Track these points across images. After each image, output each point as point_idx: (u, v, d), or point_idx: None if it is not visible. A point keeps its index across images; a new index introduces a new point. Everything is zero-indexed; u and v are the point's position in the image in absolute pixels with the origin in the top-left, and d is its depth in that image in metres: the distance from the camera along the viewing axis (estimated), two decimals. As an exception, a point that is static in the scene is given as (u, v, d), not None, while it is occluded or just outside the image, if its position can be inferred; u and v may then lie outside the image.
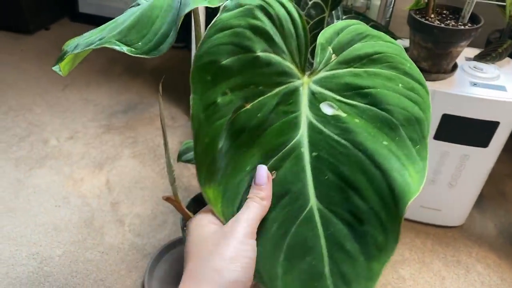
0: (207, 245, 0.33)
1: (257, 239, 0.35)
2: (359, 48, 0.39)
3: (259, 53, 0.35)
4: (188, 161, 0.81)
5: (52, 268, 0.88)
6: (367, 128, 0.36)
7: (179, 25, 0.38)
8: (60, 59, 0.43)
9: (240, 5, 0.35)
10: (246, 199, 0.36)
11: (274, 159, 0.36)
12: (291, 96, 0.37)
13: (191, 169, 1.16)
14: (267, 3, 0.36)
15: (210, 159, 0.35)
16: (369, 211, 0.34)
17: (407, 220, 1.03)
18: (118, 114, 1.35)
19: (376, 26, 0.91)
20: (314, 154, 0.36)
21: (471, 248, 0.97)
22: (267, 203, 0.35)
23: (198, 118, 0.34)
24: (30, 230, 0.95)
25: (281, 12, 0.37)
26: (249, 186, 0.36)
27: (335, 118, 0.37)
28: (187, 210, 0.71)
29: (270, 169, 0.36)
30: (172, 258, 0.90)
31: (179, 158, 0.82)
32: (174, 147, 1.22)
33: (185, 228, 0.77)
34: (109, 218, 1.00)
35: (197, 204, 0.86)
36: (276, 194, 0.35)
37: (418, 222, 1.02)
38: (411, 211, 1.00)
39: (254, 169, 0.36)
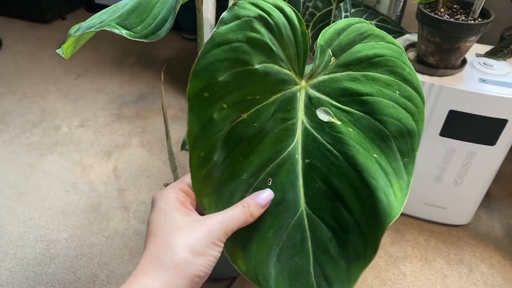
0: (176, 231, 0.33)
1: (254, 246, 0.36)
2: (360, 50, 0.39)
3: (257, 66, 0.34)
4: (191, 150, 0.82)
5: (58, 251, 0.90)
6: (360, 139, 0.36)
7: (177, 11, 0.38)
8: (64, 42, 0.44)
9: (238, 17, 0.33)
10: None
11: (270, 166, 0.36)
12: (289, 102, 0.37)
13: (198, 159, 1.17)
14: (266, 12, 0.35)
15: (206, 171, 0.35)
16: (352, 222, 0.36)
17: (411, 217, 1.02)
18: (128, 104, 1.37)
19: (385, 20, 0.90)
20: (307, 161, 0.37)
21: (475, 248, 0.96)
22: (251, 220, 0.35)
23: (194, 134, 0.33)
24: (39, 213, 0.98)
25: (280, 19, 0.36)
26: (242, 195, 0.36)
27: (329, 125, 0.37)
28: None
29: (267, 176, 0.36)
30: (175, 245, 0.92)
31: (183, 146, 0.83)
32: (182, 137, 1.23)
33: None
34: (115, 204, 1.02)
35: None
36: (273, 202, 0.36)
37: (422, 219, 1.02)
38: (415, 208, 1.00)
39: (250, 177, 0.36)
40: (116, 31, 0.38)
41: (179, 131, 1.26)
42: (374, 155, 0.36)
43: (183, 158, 1.17)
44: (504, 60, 0.88)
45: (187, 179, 0.38)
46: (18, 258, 0.88)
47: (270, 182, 0.36)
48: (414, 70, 0.39)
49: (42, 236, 0.93)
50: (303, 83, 0.38)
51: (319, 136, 0.37)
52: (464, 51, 0.79)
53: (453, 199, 0.94)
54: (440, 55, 0.79)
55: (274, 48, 0.35)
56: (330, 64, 0.39)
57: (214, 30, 0.33)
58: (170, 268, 0.30)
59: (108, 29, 0.38)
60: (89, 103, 1.37)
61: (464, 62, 0.84)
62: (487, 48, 0.93)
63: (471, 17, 0.78)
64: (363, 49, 0.39)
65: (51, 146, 1.18)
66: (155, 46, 1.72)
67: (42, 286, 0.83)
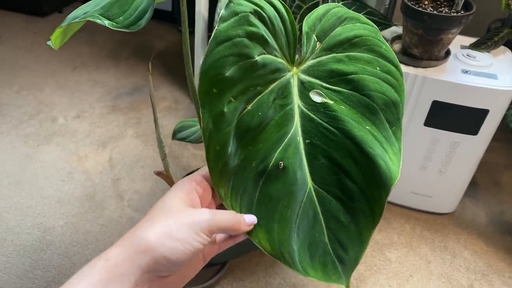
0: (163, 214, 0.34)
1: (275, 226, 0.39)
2: (340, 32, 0.42)
3: (257, 58, 0.37)
4: (182, 139, 0.84)
5: (54, 238, 0.93)
6: (352, 115, 0.40)
7: (155, 3, 0.41)
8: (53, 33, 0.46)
9: (236, 13, 0.36)
10: (252, 194, 0.39)
11: (278, 151, 0.39)
12: (285, 89, 0.40)
13: (191, 150, 1.19)
14: (259, 6, 0.38)
15: (222, 164, 0.37)
16: (357, 190, 0.39)
17: (398, 205, 1.05)
18: (123, 96, 1.39)
19: (372, 12, 0.92)
20: (307, 141, 0.40)
21: (460, 235, 0.99)
22: (236, 228, 0.37)
23: (209, 130, 0.36)
24: (36, 202, 1.01)
25: (272, 12, 0.39)
26: (254, 181, 0.39)
27: (323, 105, 0.40)
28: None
29: (277, 161, 0.39)
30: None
31: (174, 136, 0.86)
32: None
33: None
34: (110, 193, 1.04)
35: (191, 181, 0.89)
36: (287, 184, 0.39)
37: (409, 208, 1.04)
38: (402, 196, 1.02)
39: (260, 164, 0.39)
40: (99, 21, 0.40)
41: (173, 122, 1.29)
42: (367, 127, 0.39)
43: (177, 149, 1.19)
44: (488, 51, 0.90)
45: (202, 170, 0.40)
46: (15, 245, 0.91)
47: (281, 165, 0.40)
48: (389, 46, 0.42)
49: (38, 224, 0.95)
50: (294, 69, 0.41)
51: (315, 117, 0.40)
52: (446, 42, 0.81)
53: (438, 187, 0.97)
54: (424, 46, 0.81)
55: (269, 39, 0.39)
56: (316, 48, 0.42)
57: (216, 28, 0.36)
58: (139, 244, 0.32)
59: (91, 19, 0.40)
60: (85, 95, 1.39)
61: (448, 53, 0.86)
62: (473, 40, 0.95)
63: (454, 9, 0.80)
64: (343, 32, 0.42)
65: (48, 137, 1.20)
66: (151, 39, 1.74)
67: (39, 271, 0.86)
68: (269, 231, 0.39)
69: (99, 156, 1.15)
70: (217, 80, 0.35)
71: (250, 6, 0.37)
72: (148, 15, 0.41)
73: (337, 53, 0.41)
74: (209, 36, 1.26)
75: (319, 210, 0.40)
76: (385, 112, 0.40)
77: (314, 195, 0.40)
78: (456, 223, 1.02)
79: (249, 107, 0.38)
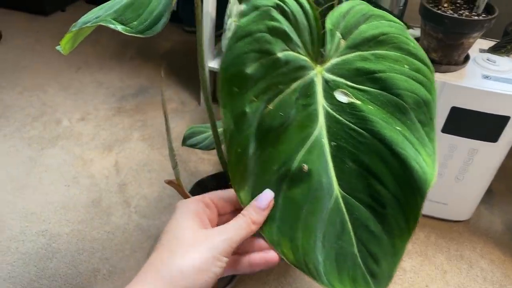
0: (181, 243, 0.33)
1: (299, 234, 0.36)
2: (365, 30, 0.40)
3: (279, 54, 0.36)
4: (192, 146, 0.82)
5: (60, 245, 0.90)
6: (381, 115, 0.37)
7: (174, 4, 0.38)
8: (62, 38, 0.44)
9: (257, 8, 0.35)
10: (274, 199, 0.36)
11: (301, 154, 0.37)
12: (308, 88, 0.38)
13: (199, 154, 1.17)
14: (282, 0, 0.36)
15: (243, 166, 0.36)
16: (389, 196, 0.36)
17: (412, 212, 1.02)
18: (128, 97, 1.37)
19: (387, 14, 0.89)
20: (333, 143, 0.37)
21: (475, 244, 0.96)
22: (254, 228, 0.35)
23: (230, 130, 0.34)
24: (41, 208, 0.98)
25: (295, 7, 0.37)
26: (276, 185, 0.37)
27: (350, 106, 0.38)
28: (189, 194, 0.72)
29: (301, 163, 0.37)
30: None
31: (184, 142, 0.83)
32: (183, 132, 1.23)
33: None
34: (116, 199, 1.02)
35: (201, 188, 0.87)
36: (312, 189, 0.37)
37: (423, 215, 1.01)
38: (416, 204, 1.00)
39: (282, 167, 0.37)
40: (112, 26, 0.38)
41: (180, 124, 1.26)
42: (397, 127, 0.37)
43: (184, 153, 1.17)
44: (508, 55, 0.87)
45: (211, 194, 0.38)
46: (20, 253, 0.88)
47: (306, 168, 0.37)
48: (418, 44, 0.40)
49: (43, 231, 0.93)
50: (318, 67, 0.39)
51: (341, 118, 0.38)
52: (467, 47, 0.78)
53: (454, 195, 0.94)
54: (443, 51, 0.79)
55: (291, 35, 0.36)
56: (340, 46, 0.40)
57: (237, 23, 0.34)
58: (165, 280, 0.30)
59: (103, 24, 0.37)
60: (89, 96, 1.36)
61: (467, 58, 0.83)
62: (491, 43, 0.92)
63: (475, 12, 0.77)
64: (368, 29, 0.40)
65: (52, 140, 1.18)
66: (155, 39, 1.71)
67: (44, 280, 0.84)
68: (293, 239, 0.36)
69: (104, 160, 1.13)
70: (237, 78, 0.34)
71: (271, 0, 0.35)
72: (164, 19, 0.38)
73: (362, 51, 0.39)
74: (216, 36, 1.24)
75: (347, 218, 0.37)
76: (416, 112, 0.38)
77: (342, 203, 0.37)
78: (472, 231, 0.99)
79: (270, 107, 0.36)
